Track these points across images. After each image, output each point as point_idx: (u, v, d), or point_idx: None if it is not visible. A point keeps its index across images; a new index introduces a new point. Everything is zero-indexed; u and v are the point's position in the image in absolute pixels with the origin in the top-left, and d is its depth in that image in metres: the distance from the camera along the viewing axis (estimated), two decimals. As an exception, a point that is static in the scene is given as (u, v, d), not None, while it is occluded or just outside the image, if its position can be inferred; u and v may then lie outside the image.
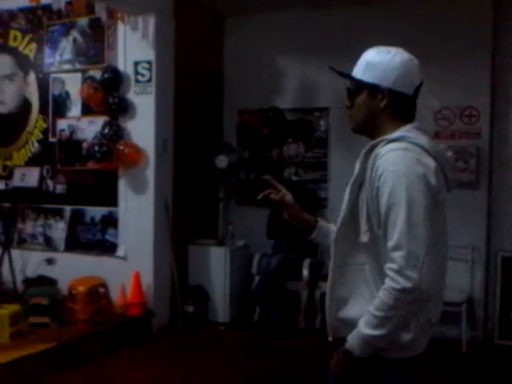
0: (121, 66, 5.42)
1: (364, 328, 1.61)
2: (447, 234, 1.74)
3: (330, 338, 1.81)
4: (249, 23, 6.17)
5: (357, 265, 1.70)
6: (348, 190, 1.75)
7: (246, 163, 6.25)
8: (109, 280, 5.12)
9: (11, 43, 6.10)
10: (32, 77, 5.97)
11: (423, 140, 1.69)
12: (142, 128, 5.31)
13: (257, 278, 5.38)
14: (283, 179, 5.80)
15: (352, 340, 1.64)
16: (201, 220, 5.91)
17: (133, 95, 5.37)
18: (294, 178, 5.90)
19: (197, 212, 5.85)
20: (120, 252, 5.34)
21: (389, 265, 1.58)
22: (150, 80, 5.32)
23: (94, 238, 5.53)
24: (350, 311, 1.70)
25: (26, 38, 6.00)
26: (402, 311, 1.58)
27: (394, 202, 1.59)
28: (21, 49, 6.04)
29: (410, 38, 4.74)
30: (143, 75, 5.34)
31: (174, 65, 5.52)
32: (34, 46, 5.96)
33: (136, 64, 5.35)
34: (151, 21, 5.30)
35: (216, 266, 5.56)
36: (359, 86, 1.77)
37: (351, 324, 1.66)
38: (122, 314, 5.05)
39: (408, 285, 1.54)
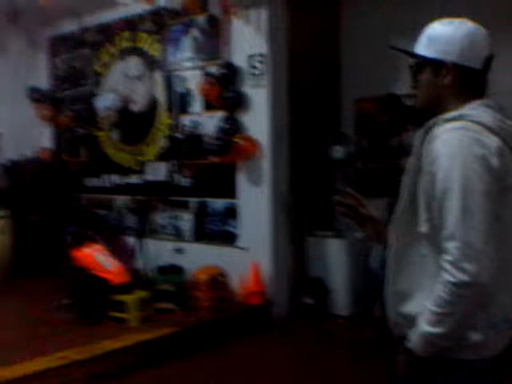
0: (236, 61, 5.56)
1: (423, 325, 1.52)
2: None
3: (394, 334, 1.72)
4: (367, 6, 5.99)
5: (418, 257, 1.60)
6: (406, 175, 1.65)
7: (365, 153, 6.15)
8: (230, 269, 5.36)
9: (139, 45, 6.51)
10: (158, 75, 6.32)
11: (487, 118, 1.55)
12: (257, 121, 5.42)
13: (376, 271, 5.30)
14: (401, 169, 5.63)
15: (413, 338, 1.56)
16: (318, 211, 5.93)
17: (248, 89, 5.50)
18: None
19: (314, 203, 5.88)
20: (240, 243, 5.54)
21: (444, 256, 1.47)
22: (263, 73, 5.40)
23: (217, 229, 5.78)
24: (411, 306, 1.60)
25: (152, 39, 6.36)
26: (462, 307, 1.47)
27: (448, 187, 1.48)
28: (147, 50, 6.41)
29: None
30: (257, 68, 5.44)
31: (288, 56, 5.54)
32: (158, 46, 6.30)
33: (250, 57, 5.47)
34: (263, 13, 5.37)
35: (335, 258, 5.55)
36: (421, 63, 1.68)
37: (414, 320, 1.57)
38: (243, 303, 5.25)
39: (464, 278, 1.43)
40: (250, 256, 5.38)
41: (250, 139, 5.43)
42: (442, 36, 1.63)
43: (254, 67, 5.46)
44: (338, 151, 5.70)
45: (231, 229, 5.66)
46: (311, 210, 5.82)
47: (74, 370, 3.95)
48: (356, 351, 4.67)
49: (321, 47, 6.05)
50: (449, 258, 1.46)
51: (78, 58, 7.19)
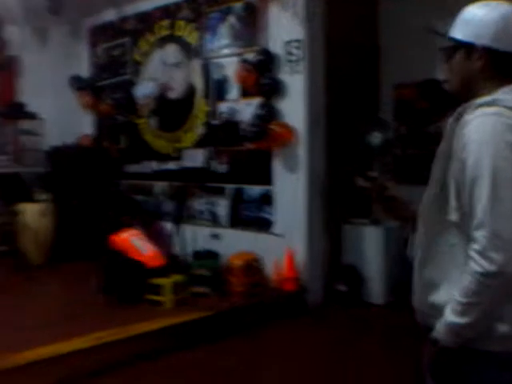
0: (272, 47, 5.54)
1: (449, 315, 1.50)
2: None
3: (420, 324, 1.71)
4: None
5: (447, 246, 1.57)
6: (436, 162, 1.62)
7: (404, 139, 6.05)
8: (265, 255, 5.37)
9: (177, 33, 6.56)
10: (195, 63, 6.36)
11: None
12: (294, 107, 5.40)
13: (413, 260, 5.22)
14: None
15: (439, 328, 1.54)
16: (355, 198, 5.86)
17: (284, 75, 5.47)
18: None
19: (351, 190, 5.82)
20: (275, 229, 5.55)
21: (472, 245, 1.45)
22: (300, 59, 5.37)
23: (253, 215, 5.81)
24: (440, 296, 1.58)
25: (190, 27, 6.40)
26: (488, 297, 1.44)
27: (478, 174, 1.44)
28: (186, 37, 6.46)
29: None
30: (293, 54, 5.41)
31: (325, 41, 5.48)
32: (196, 33, 6.34)
33: (287, 44, 5.44)
34: (300, -1, 5.34)
35: (370, 246, 5.50)
36: (454, 46, 1.64)
37: (441, 310, 1.54)
38: (277, 289, 5.27)
39: (492, 268, 1.40)
40: (284, 242, 5.39)
41: (285, 126, 5.41)
42: (474, 18, 1.60)
43: (291, 53, 5.43)
44: (376, 137, 5.63)
45: (267, 215, 5.67)
46: (348, 197, 5.77)
47: (108, 350, 4.04)
48: (390, 338, 4.62)
49: (359, 32, 5.98)
50: (476, 247, 1.43)
51: (118, 47, 7.31)
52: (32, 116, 7.25)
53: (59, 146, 7.20)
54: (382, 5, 6.18)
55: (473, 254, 1.44)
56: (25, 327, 4.28)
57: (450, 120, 1.60)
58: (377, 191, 1.90)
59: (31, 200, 6.07)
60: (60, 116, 7.34)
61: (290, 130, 5.39)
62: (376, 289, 5.45)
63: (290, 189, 5.44)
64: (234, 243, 5.68)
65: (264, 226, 5.67)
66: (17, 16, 7.10)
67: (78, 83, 7.40)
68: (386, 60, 6.16)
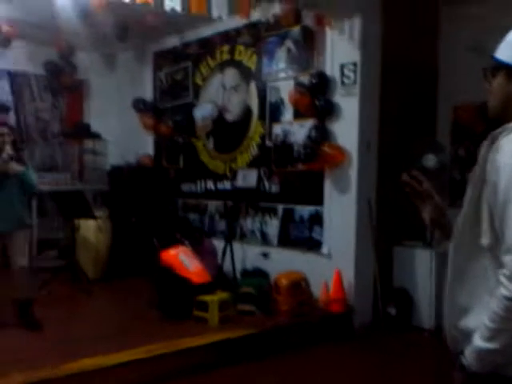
0: (328, 70, 5.59)
1: (477, 340, 1.49)
2: None
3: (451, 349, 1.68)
4: (467, 7, 5.78)
5: (479, 270, 1.56)
6: (470, 186, 1.61)
7: (462, 162, 5.90)
8: (313, 276, 5.33)
9: (237, 57, 6.73)
10: (253, 86, 6.49)
11: None
12: (347, 129, 5.40)
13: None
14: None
15: (468, 353, 1.52)
16: (407, 221, 5.75)
17: (338, 98, 5.50)
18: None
19: (403, 213, 5.72)
20: (324, 249, 5.53)
21: (502, 270, 1.44)
22: (355, 82, 5.38)
23: (302, 235, 5.81)
24: (470, 321, 1.56)
25: (249, 52, 6.55)
26: None
27: (509, 199, 1.43)
28: (244, 61, 6.61)
29: None
30: (348, 77, 5.42)
31: (382, 63, 5.48)
32: (254, 57, 6.48)
33: (342, 66, 5.47)
34: (357, 22, 5.35)
35: (422, 269, 5.37)
36: (496, 67, 1.64)
37: (471, 335, 1.53)
38: (324, 309, 5.21)
39: None
40: (333, 263, 5.36)
41: (337, 147, 5.42)
42: None
43: (346, 76, 5.45)
44: (431, 160, 5.52)
45: (316, 235, 5.66)
46: (400, 219, 5.68)
47: (156, 363, 4.12)
48: (437, 366, 4.46)
49: (417, 52, 5.87)
50: (505, 271, 1.43)
51: (180, 71, 7.56)
52: (96, 136, 7.60)
53: (120, 165, 7.48)
54: (442, 25, 6.10)
55: (502, 278, 1.43)
56: (80, 338, 4.45)
57: (485, 143, 1.59)
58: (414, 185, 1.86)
59: (91, 216, 6.30)
60: (122, 136, 7.66)
61: (342, 152, 5.39)
62: (426, 313, 5.30)
63: (340, 210, 5.42)
64: (283, 262, 5.69)
65: (313, 246, 5.66)
66: (86, 42, 7.50)
67: (140, 105, 7.70)
68: (445, 81, 6.05)
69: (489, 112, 1.70)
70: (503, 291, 1.42)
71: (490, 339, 1.45)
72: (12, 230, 4.63)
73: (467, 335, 1.54)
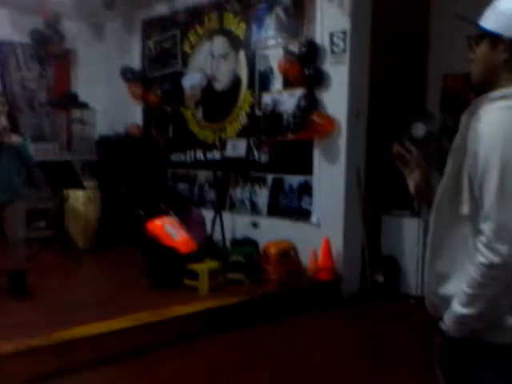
0: (317, 39, 5.54)
1: (456, 305, 1.52)
2: None
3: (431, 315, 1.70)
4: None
5: (459, 238, 1.57)
6: (450, 155, 1.62)
7: (451, 131, 5.89)
8: (302, 244, 5.38)
9: (225, 25, 6.64)
10: (242, 55, 6.42)
11: None
12: (336, 98, 5.38)
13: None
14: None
15: (447, 318, 1.56)
16: (395, 190, 5.77)
17: (328, 66, 5.46)
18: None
19: (391, 182, 5.74)
20: (313, 218, 5.55)
21: (479, 237, 1.46)
22: (344, 50, 5.33)
23: (291, 205, 5.83)
24: (450, 287, 1.58)
25: (237, 19, 6.46)
26: (493, 289, 1.45)
27: (487, 168, 1.45)
28: (233, 29, 6.53)
29: None
30: (338, 45, 5.38)
31: (372, 31, 5.43)
32: (243, 25, 6.39)
33: (331, 35, 5.41)
34: (346, -11, 5.30)
35: (410, 238, 5.42)
36: (480, 35, 1.62)
37: (449, 301, 1.56)
38: (313, 278, 5.25)
39: (497, 260, 1.41)
40: (322, 232, 5.38)
41: (326, 117, 5.40)
42: (506, 10, 1.58)
43: (336, 44, 5.40)
44: (420, 129, 5.51)
45: (305, 205, 5.68)
46: (388, 188, 5.69)
47: (146, 331, 4.16)
48: (422, 331, 4.52)
49: (407, 20, 5.82)
50: (483, 238, 1.45)
51: (169, 40, 7.46)
52: (84, 106, 7.52)
53: (109, 135, 7.42)
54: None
55: (479, 245, 1.45)
56: (68, 307, 4.46)
57: (466, 113, 1.59)
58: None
59: (80, 187, 6.28)
60: (111, 106, 7.59)
61: (331, 121, 5.38)
62: (413, 280, 5.38)
63: (329, 179, 5.43)
64: (273, 232, 5.72)
65: (302, 215, 5.68)
66: (73, 11, 7.38)
67: (129, 74, 7.60)
68: (435, 49, 6.02)
69: (472, 80, 1.69)
70: (480, 258, 1.44)
71: (467, 305, 1.48)
72: (9, 201, 4.60)
73: (447, 301, 1.57)
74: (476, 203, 1.51)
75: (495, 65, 1.59)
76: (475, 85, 1.67)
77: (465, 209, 1.55)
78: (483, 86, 1.63)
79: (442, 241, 1.61)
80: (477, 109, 1.55)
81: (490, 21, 1.60)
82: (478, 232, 1.49)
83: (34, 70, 7.68)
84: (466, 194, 1.54)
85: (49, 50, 7.57)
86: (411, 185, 1.86)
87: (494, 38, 1.58)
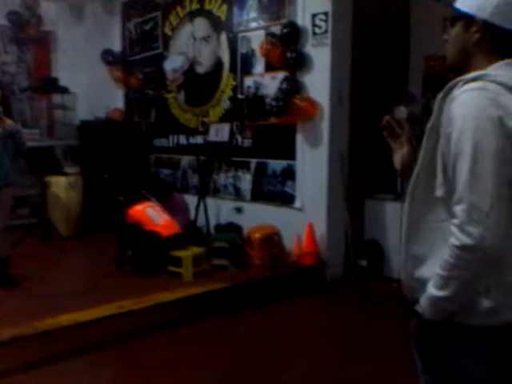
0: (299, 20, 5.47)
1: (430, 288, 1.51)
2: None
3: (407, 298, 1.70)
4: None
5: (435, 221, 1.56)
6: (425, 137, 1.59)
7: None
8: (286, 229, 5.37)
9: (207, 7, 6.55)
10: (223, 37, 6.34)
11: (509, 77, 1.47)
12: (318, 81, 5.34)
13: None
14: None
15: (422, 301, 1.55)
16: (378, 174, 5.79)
17: (310, 48, 5.41)
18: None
19: (374, 165, 5.75)
20: (297, 203, 5.54)
21: (452, 220, 1.44)
22: (326, 31, 5.28)
23: (275, 190, 5.81)
24: (426, 270, 1.57)
25: (219, 0, 6.36)
26: (467, 271, 1.44)
27: (460, 150, 1.43)
28: (215, 11, 6.44)
29: None
30: (320, 27, 5.32)
31: (353, 13, 5.38)
32: (225, 7, 6.30)
33: (313, 16, 5.35)
34: (328, -30, 5.23)
35: (393, 222, 5.42)
36: (455, 17, 1.61)
37: (425, 284, 1.55)
38: (297, 263, 5.27)
39: (468, 241, 1.40)
40: (306, 217, 5.39)
41: (308, 100, 5.36)
42: None
43: (317, 26, 5.35)
44: (402, 112, 5.50)
45: (289, 189, 5.67)
46: (372, 172, 5.70)
47: (129, 318, 4.15)
48: (403, 314, 4.56)
49: (389, 2, 5.80)
50: (455, 221, 1.43)
51: (149, 22, 7.35)
52: (64, 90, 7.40)
53: (90, 120, 7.33)
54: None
55: (452, 228, 1.44)
56: (52, 296, 4.44)
57: (440, 96, 1.57)
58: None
59: (61, 173, 6.22)
60: (91, 90, 7.48)
61: (313, 105, 5.34)
62: (396, 264, 5.39)
63: (312, 163, 5.41)
64: (257, 217, 5.71)
65: (286, 200, 5.67)
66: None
67: (109, 57, 7.50)
68: (417, 31, 5.97)
69: (447, 62, 1.69)
70: (453, 240, 1.43)
71: (441, 287, 1.48)
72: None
73: (423, 284, 1.56)
74: (450, 186, 1.49)
75: (468, 46, 1.59)
76: (449, 66, 1.67)
77: (439, 191, 1.53)
78: (457, 68, 1.63)
79: (418, 224, 1.60)
80: (450, 90, 1.53)
81: (464, 2, 1.59)
82: (451, 215, 1.48)
83: (13, 53, 7.54)
84: (440, 177, 1.53)
85: (27, 32, 7.43)
86: (397, 160, 1.86)
87: (467, 20, 1.57)
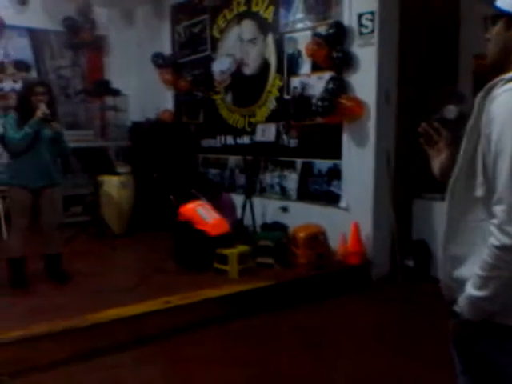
0: (345, 20, 5.47)
1: (469, 288, 1.52)
2: None
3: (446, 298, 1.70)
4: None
5: (475, 221, 1.57)
6: (465, 137, 1.60)
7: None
8: (331, 229, 5.37)
9: (254, 8, 6.62)
10: (270, 38, 6.40)
11: None
12: (365, 80, 5.32)
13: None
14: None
15: (461, 301, 1.56)
16: (426, 173, 5.70)
17: (356, 48, 5.39)
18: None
19: (422, 165, 5.66)
20: (342, 203, 5.54)
21: (492, 220, 1.45)
22: (372, 31, 5.26)
23: (321, 189, 5.83)
24: (465, 270, 1.58)
25: (266, 2, 6.43)
26: (506, 271, 1.44)
27: (500, 150, 1.44)
28: (261, 13, 6.50)
29: None
30: (366, 27, 5.30)
31: (400, 11, 5.33)
32: (271, 8, 6.36)
33: (360, 16, 5.34)
34: (375, -31, 5.21)
35: (441, 222, 5.29)
36: (497, 15, 1.61)
37: (464, 284, 1.56)
38: (342, 262, 5.27)
39: (508, 242, 1.40)
40: (351, 216, 5.38)
41: (355, 99, 5.35)
42: None
43: (364, 26, 5.33)
44: (452, 111, 5.41)
45: (335, 189, 5.67)
46: (419, 172, 5.61)
47: (175, 313, 4.24)
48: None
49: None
50: (495, 221, 1.44)
51: (198, 24, 7.48)
52: (116, 93, 7.63)
53: (141, 121, 7.52)
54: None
55: (492, 228, 1.45)
56: (102, 291, 4.57)
57: (480, 95, 1.57)
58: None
59: (114, 173, 6.40)
60: (142, 92, 7.69)
61: (360, 104, 5.33)
62: (444, 265, 5.30)
63: (359, 163, 5.39)
64: (302, 216, 5.73)
65: (332, 199, 5.68)
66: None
67: (159, 60, 7.67)
68: (466, 29, 5.86)
69: (488, 60, 1.68)
70: (492, 240, 1.44)
71: (480, 287, 1.48)
72: (45, 187, 4.69)
73: (462, 284, 1.57)
74: (490, 186, 1.50)
75: (509, 44, 1.58)
76: (491, 65, 1.66)
77: (479, 191, 1.54)
78: (498, 66, 1.62)
79: (458, 224, 1.61)
80: (491, 90, 1.53)
81: (504, 1, 1.59)
82: (491, 215, 1.48)
83: (68, 58, 7.82)
84: (480, 177, 1.53)
85: (81, 37, 7.69)
86: (436, 166, 1.87)
87: (508, 18, 1.57)
